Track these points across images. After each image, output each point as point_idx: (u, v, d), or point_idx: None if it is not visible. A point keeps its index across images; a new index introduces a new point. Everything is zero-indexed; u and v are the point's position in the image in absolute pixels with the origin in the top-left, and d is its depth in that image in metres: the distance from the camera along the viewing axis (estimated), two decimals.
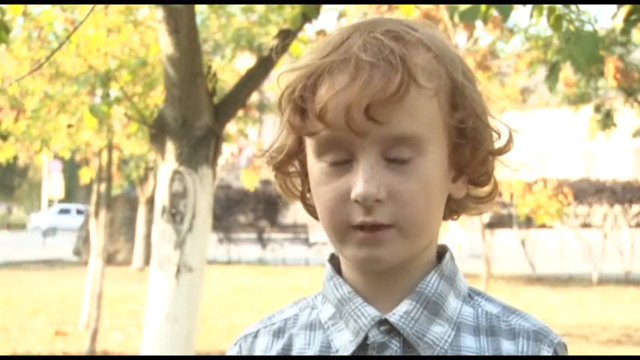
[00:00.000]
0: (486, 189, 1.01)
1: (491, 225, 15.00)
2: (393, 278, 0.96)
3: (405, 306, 0.94)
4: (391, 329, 0.94)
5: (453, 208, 1.01)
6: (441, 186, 0.95)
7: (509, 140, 0.99)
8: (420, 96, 0.90)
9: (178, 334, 3.71)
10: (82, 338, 8.08)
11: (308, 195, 1.02)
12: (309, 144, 0.95)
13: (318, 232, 19.52)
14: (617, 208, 15.47)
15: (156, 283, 3.76)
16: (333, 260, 1.01)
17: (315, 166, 0.95)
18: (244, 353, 1.03)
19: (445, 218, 1.02)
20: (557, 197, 9.34)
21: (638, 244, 15.09)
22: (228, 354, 1.05)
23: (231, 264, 18.02)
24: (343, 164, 0.92)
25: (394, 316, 0.94)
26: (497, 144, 0.98)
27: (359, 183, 0.90)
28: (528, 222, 14.18)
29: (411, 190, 0.90)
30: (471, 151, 0.96)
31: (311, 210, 1.02)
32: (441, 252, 1.00)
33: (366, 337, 0.94)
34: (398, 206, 0.90)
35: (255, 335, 1.03)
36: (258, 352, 1.01)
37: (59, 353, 7.72)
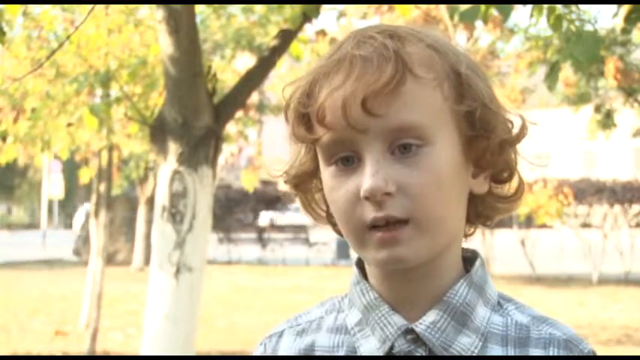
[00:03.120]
0: (511, 187, 0.99)
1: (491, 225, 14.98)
2: (418, 284, 0.94)
3: (432, 316, 0.93)
4: (417, 338, 0.93)
5: (479, 211, 0.99)
6: (456, 179, 0.92)
7: (523, 127, 0.97)
8: (418, 87, 0.90)
9: (178, 334, 3.71)
10: (82, 338, 8.07)
11: (334, 217, 0.99)
12: (319, 154, 0.95)
13: (318, 232, 19.53)
14: (617, 208, 15.47)
15: (156, 283, 3.76)
16: (360, 264, 1.00)
17: (325, 173, 0.94)
18: (269, 353, 1.03)
19: (474, 222, 0.99)
20: (558, 197, 9.35)
21: (638, 244, 15.08)
22: (254, 354, 1.05)
23: (231, 264, 18.01)
24: (350, 166, 0.91)
25: (420, 326, 0.93)
26: (511, 132, 0.96)
27: (365, 178, 0.89)
28: (528, 222, 14.19)
29: (421, 182, 0.89)
30: (484, 141, 0.94)
31: (339, 230, 0.99)
32: (471, 257, 0.98)
33: (392, 346, 0.93)
34: (410, 199, 0.89)
35: (281, 335, 1.03)
36: (282, 352, 1.01)
37: (59, 353, 7.72)
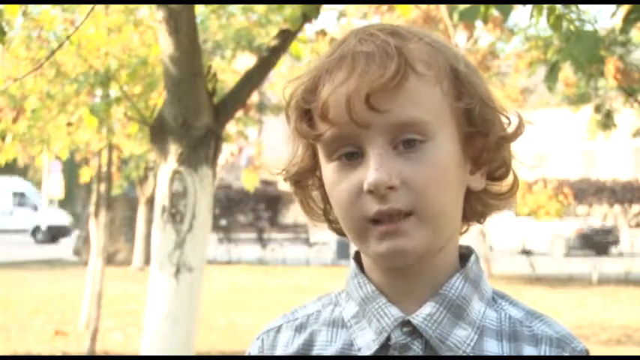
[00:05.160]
0: (506, 184, 1.00)
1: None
2: (416, 278, 0.95)
3: (428, 308, 0.94)
4: (414, 331, 0.93)
5: (474, 207, 1.00)
6: (456, 175, 0.94)
7: (520, 125, 0.98)
8: (420, 83, 0.91)
9: (178, 334, 3.71)
10: (82, 338, 8.07)
11: (332, 215, 1.00)
12: (320, 150, 0.95)
13: (319, 232, 19.52)
14: (617, 208, 15.48)
15: (156, 283, 3.76)
16: (358, 258, 1.00)
17: (327, 169, 0.95)
18: (266, 348, 1.03)
19: (469, 219, 1.00)
20: (558, 197, 9.35)
21: (638, 244, 15.09)
22: (249, 348, 1.05)
23: (231, 264, 18.01)
24: (353, 161, 0.92)
25: (417, 317, 0.93)
26: (508, 129, 0.97)
27: (370, 172, 0.89)
28: None
29: (424, 176, 0.90)
30: (482, 138, 0.95)
31: (336, 228, 1.01)
32: (466, 254, 0.99)
33: (388, 338, 0.94)
34: (413, 192, 0.90)
35: (278, 330, 1.03)
36: (279, 347, 1.01)
37: (59, 353, 7.72)
